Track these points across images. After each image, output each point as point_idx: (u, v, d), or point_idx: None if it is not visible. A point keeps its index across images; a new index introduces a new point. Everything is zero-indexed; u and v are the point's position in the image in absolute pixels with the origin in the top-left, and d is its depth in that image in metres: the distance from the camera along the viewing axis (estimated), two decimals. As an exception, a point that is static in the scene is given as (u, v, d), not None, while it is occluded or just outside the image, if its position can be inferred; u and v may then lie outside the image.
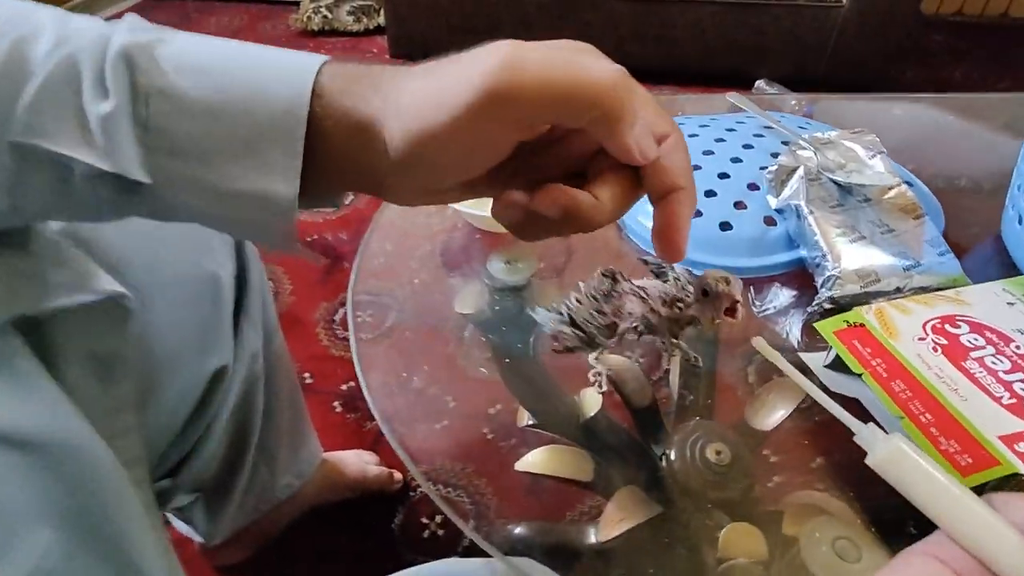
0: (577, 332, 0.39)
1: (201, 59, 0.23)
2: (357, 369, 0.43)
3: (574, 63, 0.22)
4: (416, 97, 0.23)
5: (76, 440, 0.29)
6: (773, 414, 0.40)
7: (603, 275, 0.40)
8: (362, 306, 0.50)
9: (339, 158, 0.24)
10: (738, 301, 0.35)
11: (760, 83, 1.69)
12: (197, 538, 0.69)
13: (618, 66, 0.23)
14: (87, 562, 0.30)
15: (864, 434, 0.24)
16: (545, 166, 0.26)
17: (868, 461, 0.24)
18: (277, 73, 0.23)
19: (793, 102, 0.77)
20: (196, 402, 0.47)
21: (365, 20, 2.13)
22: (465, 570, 0.38)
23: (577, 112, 0.22)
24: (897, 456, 0.23)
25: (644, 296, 0.38)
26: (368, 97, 0.23)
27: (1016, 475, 0.30)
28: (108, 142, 0.22)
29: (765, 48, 1.70)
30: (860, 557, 0.31)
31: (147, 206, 0.24)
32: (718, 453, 0.38)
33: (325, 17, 2.12)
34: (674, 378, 0.43)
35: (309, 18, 2.12)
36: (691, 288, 0.38)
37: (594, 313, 0.39)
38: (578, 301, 0.40)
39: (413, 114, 0.22)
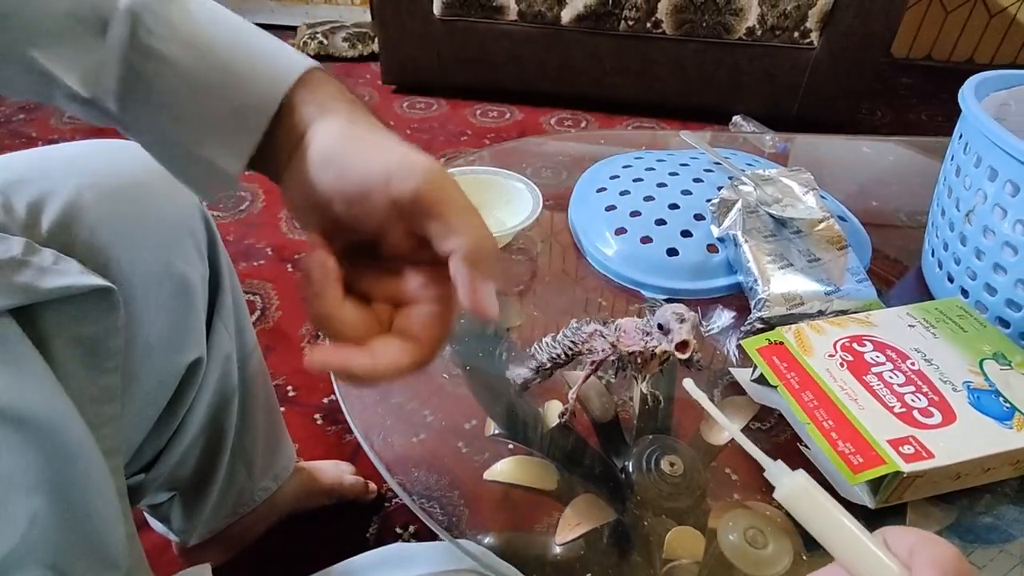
0: (542, 372, 0.42)
1: (201, 34, 0.26)
2: (334, 382, 0.46)
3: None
4: (366, 145, 0.26)
5: (65, 423, 0.32)
6: (725, 430, 0.44)
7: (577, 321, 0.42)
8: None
9: (274, 151, 0.27)
10: (686, 341, 0.37)
11: (736, 118, 1.76)
12: (172, 537, 0.71)
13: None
14: (67, 537, 0.33)
15: (772, 470, 0.26)
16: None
17: (775, 496, 0.25)
18: (263, 70, 0.26)
19: (769, 140, 0.83)
20: (169, 397, 0.50)
21: (360, 47, 2.21)
22: (416, 552, 0.42)
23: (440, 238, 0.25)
24: (800, 492, 0.25)
25: (606, 334, 0.40)
26: (328, 115, 0.27)
27: (899, 473, 0.34)
28: (95, 76, 0.25)
29: (741, 85, 1.79)
30: (767, 544, 0.36)
31: (109, 122, 0.27)
32: (672, 465, 0.41)
33: (321, 43, 2.19)
34: (636, 400, 0.46)
35: (305, 43, 2.19)
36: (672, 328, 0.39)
37: (560, 353, 0.41)
38: (547, 344, 0.42)
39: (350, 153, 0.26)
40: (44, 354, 0.33)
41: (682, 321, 0.38)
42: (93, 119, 0.27)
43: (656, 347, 0.39)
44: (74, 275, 0.35)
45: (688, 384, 0.35)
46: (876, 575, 0.22)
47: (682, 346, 0.37)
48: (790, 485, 0.25)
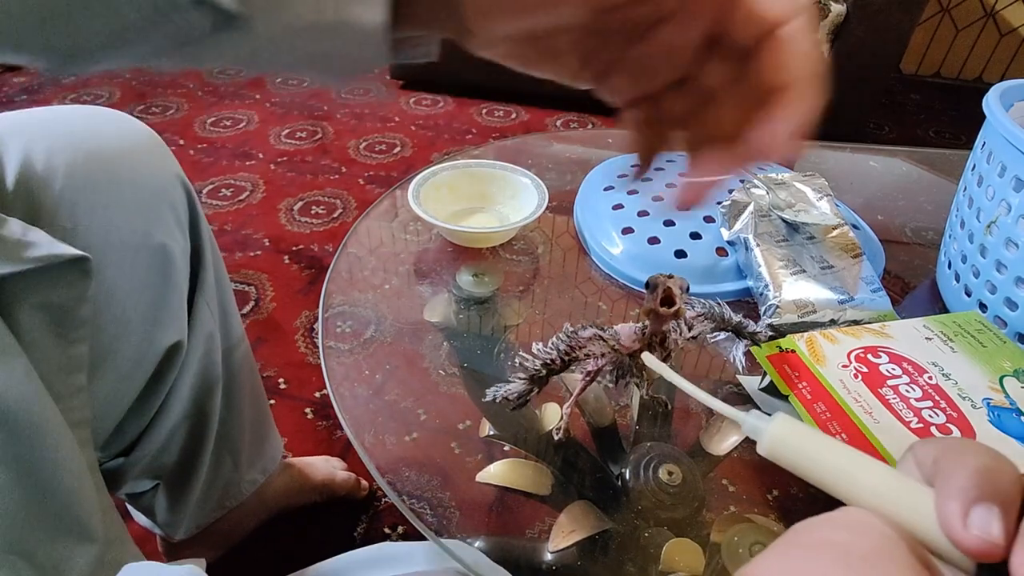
0: (537, 380, 0.39)
1: None
2: (325, 377, 0.45)
3: None
4: None
5: (31, 396, 0.31)
6: (725, 440, 0.43)
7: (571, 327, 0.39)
8: (338, 316, 0.51)
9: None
10: (674, 292, 0.34)
11: (743, 127, 1.76)
12: (157, 531, 0.69)
13: None
14: (34, 514, 0.31)
15: (749, 422, 0.21)
16: (643, 63, 0.24)
17: (759, 451, 0.21)
18: None
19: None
20: (150, 374, 0.48)
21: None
22: (402, 552, 0.40)
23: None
24: (787, 436, 0.20)
25: (606, 338, 0.38)
26: None
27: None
28: None
29: (749, 95, 1.78)
30: (774, 561, 0.34)
31: (237, 43, 0.23)
32: (670, 474, 0.40)
33: (329, 36, 2.18)
34: (634, 406, 0.45)
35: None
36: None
37: (555, 358, 0.38)
38: (540, 350, 0.39)
39: None
40: (8, 321, 0.31)
41: (670, 277, 0.35)
42: (213, 42, 0.23)
43: (647, 307, 0.35)
44: (45, 246, 0.33)
45: (647, 356, 0.33)
46: (903, 505, 0.18)
47: (667, 302, 0.34)
48: (772, 433, 0.21)
